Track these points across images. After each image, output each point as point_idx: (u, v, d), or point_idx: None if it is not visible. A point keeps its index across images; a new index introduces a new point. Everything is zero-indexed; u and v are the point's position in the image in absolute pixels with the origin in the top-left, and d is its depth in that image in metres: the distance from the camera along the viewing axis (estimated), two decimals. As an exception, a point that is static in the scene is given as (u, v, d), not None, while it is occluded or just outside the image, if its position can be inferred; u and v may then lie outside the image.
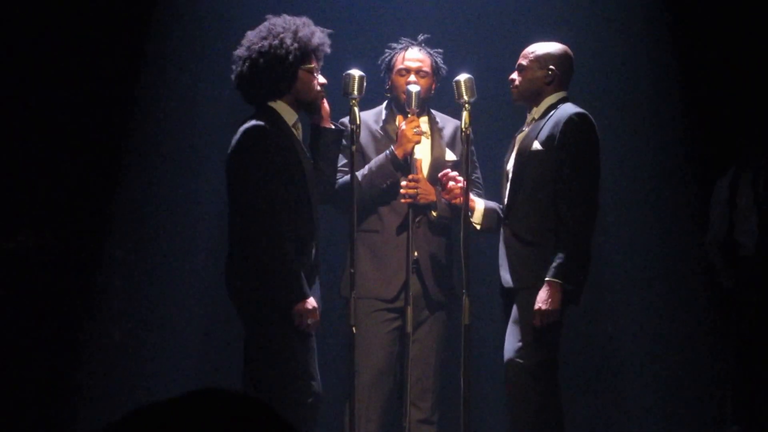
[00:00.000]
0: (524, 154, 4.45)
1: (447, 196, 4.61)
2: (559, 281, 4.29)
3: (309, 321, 4.17)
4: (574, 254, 4.32)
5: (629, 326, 5.79)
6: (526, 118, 4.59)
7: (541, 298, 4.29)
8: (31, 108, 5.31)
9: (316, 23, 4.36)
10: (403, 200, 4.66)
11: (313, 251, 4.29)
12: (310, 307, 4.16)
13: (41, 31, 5.31)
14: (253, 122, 4.21)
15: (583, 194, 4.36)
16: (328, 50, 4.33)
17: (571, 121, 4.38)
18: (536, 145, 4.41)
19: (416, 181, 4.65)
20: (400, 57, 4.84)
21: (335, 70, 4.47)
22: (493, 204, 4.72)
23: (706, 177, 5.65)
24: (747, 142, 5.55)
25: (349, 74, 4.40)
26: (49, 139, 5.34)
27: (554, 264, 4.29)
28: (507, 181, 4.54)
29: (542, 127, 4.43)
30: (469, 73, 4.51)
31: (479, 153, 4.91)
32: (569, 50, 4.57)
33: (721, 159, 5.61)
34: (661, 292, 5.82)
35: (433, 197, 4.72)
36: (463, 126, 4.46)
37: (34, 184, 5.32)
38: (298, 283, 4.14)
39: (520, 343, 4.35)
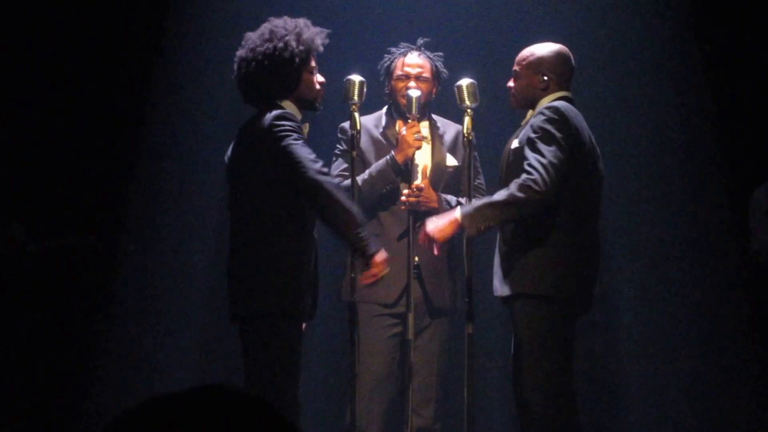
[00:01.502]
0: (505, 153, 4.37)
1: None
2: (457, 216, 4.19)
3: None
4: (490, 205, 4.17)
5: (665, 336, 5.71)
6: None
7: (435, 223, 4.23)
8: (44, 109, 5.40)
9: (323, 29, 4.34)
10: (402, 207, 4.63)
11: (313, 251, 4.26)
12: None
13: (60, 38, 5.41)
14: (279, 114, 4.13)
15: (538, 169, 4.12)
16: (322, 49, 4.30)
17: (540, 114, 4.23)
18: (515, 143, 4.30)
19: (420, 189, 4.62)
20: (399, 62, 4.82)
21: (336, 74, 4.46)
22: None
23: (742, 186, 5.55)
24: None
25: (349, 80, 4.39)
26: (62, 139, 5.40)
27: (468, 202, 4.25)
28: None
29: (525, 127, 4.33)
30: (470, 75, 4.47)
31: (481, 158, 4.87)
32: (564, 49, 4.40)
33: (758, 167, 5.49)
34: (694, 303, 5.72)
35: (434, 204, 4.70)
36: (465, 131, 4.43)
37: (46, 184, 5.39)
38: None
39: (535, 369, 4.21)
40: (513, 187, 4.12)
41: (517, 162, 4.25)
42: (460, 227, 4.22)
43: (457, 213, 4.22)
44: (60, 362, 5.31)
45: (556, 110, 4.23)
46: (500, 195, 4.16)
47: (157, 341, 5.59)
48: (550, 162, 4.12)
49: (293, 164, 4.05)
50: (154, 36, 5.55)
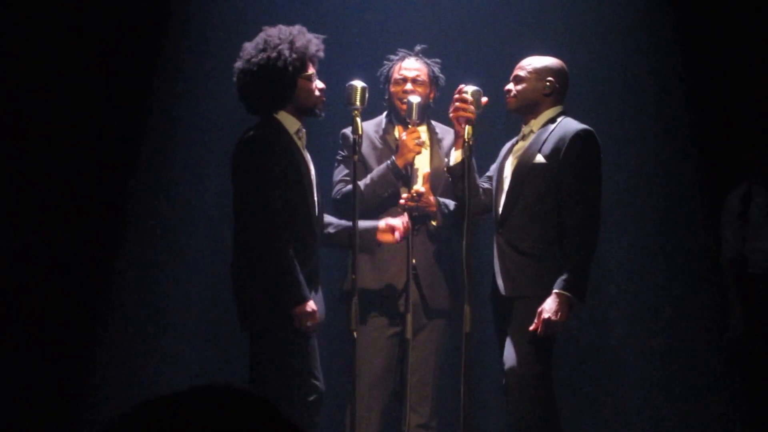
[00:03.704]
0: (525, 167, 4.46)
1: (453, 115, 4.54)
2: (569, 294, 4.31)
3: (308, 323, 4.23)
4: (581, 267, 4.35)
5: (635, 340, 5.77)
6: (520, 128, 4.60)
7: (550, 309, 4.29)
8: (48, 107, 5.40)
9: (319, 35, 4.42)
10: (399, 210, 4.71)
11: (314, 259, 4.36)
12: (308, 309, 4.23)
13: (65, 36, 5.41)
14: (251, 133, 4.30)
15: (589, 208, 4.40)
16: (323, 55, 4.39)
17: (579, 137, 4.40)
18: (539, 159, 4.43)
19: (419, 194, 4.69)
20: (397, 67, 4.91)
21: (338, 81, 4.52)
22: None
23: (716, 190, 5.61)
24: (760, 155, 5.47)
25: (351, 85, 4.45)
26: (66, 138, 5.43)
27: (563, 277, 4.31)
28: (500, 191, 4.56)
29: (545, 141, 4.44)
30: (468, 82, 4.55)
31: (480, 164, 4.93)
32: (565, 65, 4.59)
33: (732, 172, 5.55)
34: (669, 307, 5.78)
35: (433, 208, 4.76)
36: (465, 137, 4.49)
37: (50, 182, 5.42)
38: (298, 286, 4.22)
39: (521, 353, 4.36)
40: (577, 241, 4.34)
41: (541, 180, 4.42)
42: (571, 304, 4.33)
43: (563, 291, 4.30)
44: (61, 362, 5.33)
45: (592, 136, 4.44)
46: (577, 255, 4.34)
47: (156, 343, 5.61)
48: (598, 204, 4.43)
49: (239, 217, 4.27)
50: (155, 34, 5.58)
